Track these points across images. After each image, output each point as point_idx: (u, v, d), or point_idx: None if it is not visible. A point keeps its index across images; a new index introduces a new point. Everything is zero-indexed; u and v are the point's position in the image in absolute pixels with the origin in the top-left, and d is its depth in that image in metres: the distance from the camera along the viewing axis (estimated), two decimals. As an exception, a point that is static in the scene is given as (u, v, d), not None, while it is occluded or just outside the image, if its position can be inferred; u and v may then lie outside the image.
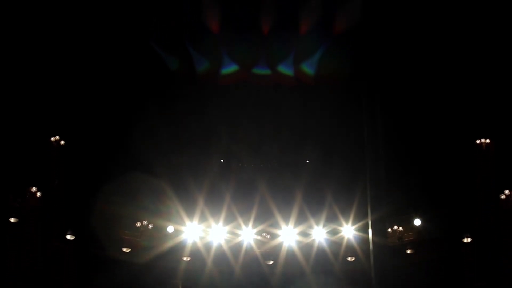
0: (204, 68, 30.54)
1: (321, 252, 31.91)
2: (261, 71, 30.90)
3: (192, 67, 29.98)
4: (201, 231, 31.56)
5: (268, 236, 32.46)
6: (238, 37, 29.41)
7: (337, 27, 28.70)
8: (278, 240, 32.20)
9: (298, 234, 31.92)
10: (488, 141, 30.85)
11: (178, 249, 31.71)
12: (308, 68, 30.82)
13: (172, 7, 28.77)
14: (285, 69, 30.75)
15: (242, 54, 30.21)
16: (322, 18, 28.60)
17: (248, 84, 31.54)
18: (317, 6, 28.30)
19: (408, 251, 31.21)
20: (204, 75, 30.45)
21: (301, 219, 31.77)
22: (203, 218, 31.41)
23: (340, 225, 31.47)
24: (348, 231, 31.37)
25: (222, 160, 34.27)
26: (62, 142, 30.50)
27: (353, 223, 31.14)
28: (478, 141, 30.98)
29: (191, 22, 29.12)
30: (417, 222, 31.06)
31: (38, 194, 28.84)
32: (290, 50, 30.30)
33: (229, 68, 30.78)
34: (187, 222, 31.24)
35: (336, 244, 31.75)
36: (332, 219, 31.59)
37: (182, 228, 31.40)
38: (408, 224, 31.45)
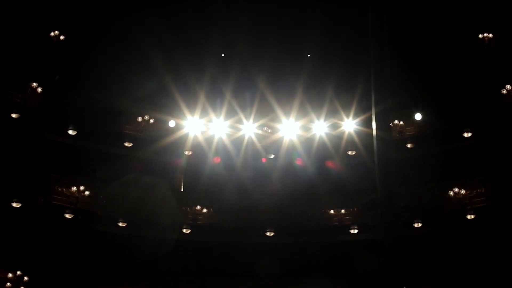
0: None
1: (321, 146, 32.04)
2: None
3: None
4: (202, 125, 31.62)
5: (269, 130, 32.59)
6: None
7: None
8: (279, 134, 32.36)
9: (299, 128, 31.98)
10: (490, 35, 30.58)
11: (179, 143, 31.90)
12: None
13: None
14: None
15: None
16: None
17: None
18: None
19: (409, 145, 31.44)
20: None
21: (302, 113, 31.81)
22: (204, 112, 31.43)
23: (341, 119, 31.46)
24: (349, 125, 31.39)
25: (222, 55, 34.09)
26: (61, 37, 30.27)
27: (354, 117, 31.11)
28: (480, 35, 30.70)
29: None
30: (418, 116, 31.16)
31: (39, 89, 28.83)
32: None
33: None
34: (188, 116, 31.27)
35: (336, 138, 31.86)
36: (333, 113, 31.59)
37: (183, 122, 31.48)
38: (409, 118, 31.58)
